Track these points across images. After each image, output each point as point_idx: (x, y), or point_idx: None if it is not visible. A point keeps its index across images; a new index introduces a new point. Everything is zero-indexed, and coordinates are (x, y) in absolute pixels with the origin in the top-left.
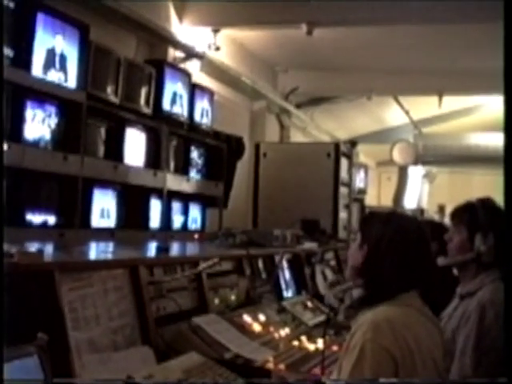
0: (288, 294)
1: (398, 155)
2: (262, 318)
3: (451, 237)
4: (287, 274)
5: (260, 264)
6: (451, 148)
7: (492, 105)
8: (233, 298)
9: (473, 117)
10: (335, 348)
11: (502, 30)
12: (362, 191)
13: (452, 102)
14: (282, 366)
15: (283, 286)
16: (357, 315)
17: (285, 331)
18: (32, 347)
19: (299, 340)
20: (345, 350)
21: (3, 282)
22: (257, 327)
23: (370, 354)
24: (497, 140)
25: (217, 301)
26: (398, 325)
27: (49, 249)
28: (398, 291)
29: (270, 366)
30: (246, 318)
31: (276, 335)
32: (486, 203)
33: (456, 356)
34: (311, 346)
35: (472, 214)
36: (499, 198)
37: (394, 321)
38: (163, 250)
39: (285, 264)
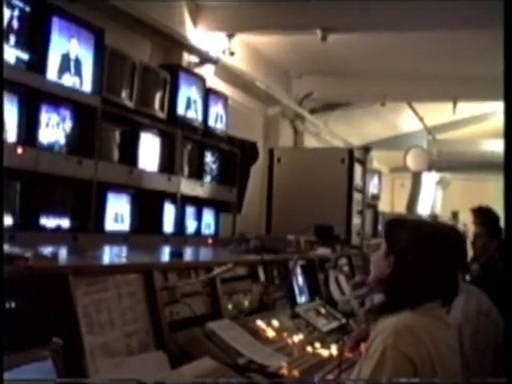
0: (301, 299)
1: (411, 161)
2: (275, 323)
3: None
4: (301, 280)
5: (274, 270)
6: (465, 154)
7: None
8: (246, 303)
9: (487, 123)
10: (350, 354)
11: None
12: (376, 197)
13: (466, 109)
14: (295, 372)
15: (297, 291)
16: (377, 320)
17: (298, 337)
18: (46, 351)
19: (313, 346)
20: (364, 354)
21: (3, 283)
22: (270, 333)
23: (390, 360)
24: None
25: (230, 306)
26: (420, 332)
27: (63, 253)
28: (421, 301)
29: (284, 371)
30: (260, 323)
31: (290, 341)
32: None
33: None
34: (325, 352)
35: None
36: None
37: (416, 328)
38: (177, 254)
39: (298, 270)
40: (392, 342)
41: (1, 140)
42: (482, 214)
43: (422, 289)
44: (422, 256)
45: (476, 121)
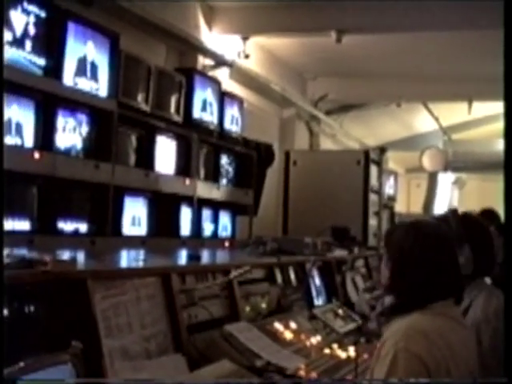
0: (319, 301)
1: (427, 162)
2: (293, 325)
3: None
4: (318, 282)
5: (291, 272)
6: (481, 154)
7: None
8: (264, 305)
9: (502, 123)
10: (366, 356)
11: None
12: (392, 198)
13: (482, 108)
14: (313, 374)
15: (314, 293)
16: (389, 322)
17: (316, 339)
18: (66, 355)
19: (331, 348)
20: (376, 357)
21: (3, 283)
22: (288, 335)
23: (403, 362)
24: None
25: (248, 309)
26: (432, 333)
27: (81, 257)
28: (429, 300)
29: (302, 373)
30: (278, 325)
31: (307, 343)
32: (457, 214)
33: None
34: (343, 354)
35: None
36: None
37: (427, 329)
38: (195, 258)
39: (315, 271)
40: (404, 345)
41: (1, 139)
42: (488, 216)
43: (425, 287)
44: (414, 255)
45: (491, 120)
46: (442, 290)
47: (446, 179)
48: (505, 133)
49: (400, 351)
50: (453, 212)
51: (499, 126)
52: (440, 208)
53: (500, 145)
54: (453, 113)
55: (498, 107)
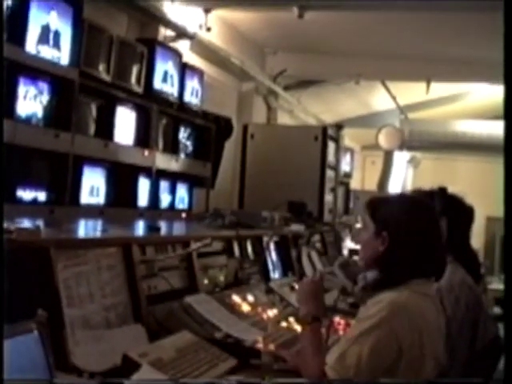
0: (275, 275)
1: (383, 140)
2: (250, 298)
3: None
4: (274, 256)
5: (248, 245)
6: (437, 134)
7: (479, 92)
8: (222, 278)
9: (459, 103)
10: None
11: (491, 20)
12: (348, 175)
13: (439, 89)
14: (271, 347)
15: (270, 267)
16: (374, 295)
17: (273, 312)
18: (33, 323)
19: (287, 321)
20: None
21: (3, 282)
22: (246, 308)
23: (380, 333)
24: (482, 127)
25: (206, 281)
26: (415, 314)
27: (41, 225)
28: (414, 275)
29: (260, 346)
30: (235, 298)
31: (265, 316)
32: (444, 191)
33: None
34: (299, 328)
35: (431, 200)
36: (482, 184)
37: (413, 311)
38: (155, 229)
39: (272, 245)
40: (387, 317)
41: (1, 138)
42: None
43: (418, 262)
44: (414, 228)
45: (448, 101)
46: (429, 266)
47: (401, 157)
48: (505, 131)
49: (383, 322)
50: (440, 188)
51: (456, 106)
52: (395, 186)
53: (455, 125)
54: (411, 92)
55: (455, 88)
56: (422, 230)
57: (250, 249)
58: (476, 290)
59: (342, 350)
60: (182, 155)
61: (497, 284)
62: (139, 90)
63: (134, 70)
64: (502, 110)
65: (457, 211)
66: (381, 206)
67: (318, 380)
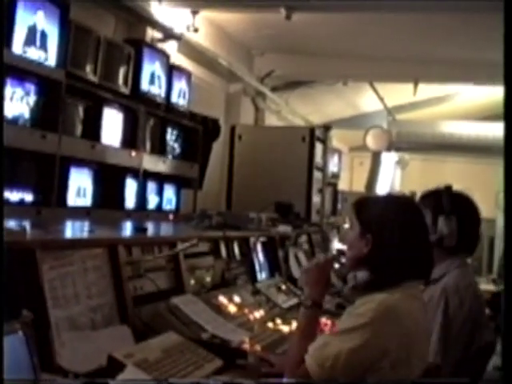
0: (262, 276)
1: (371, 141)
2: (237, 299)
3: None
4: (261, 257)
5: (235, 246)
6: (424, 135)
7: (466, 94)
8: (208, 279)
9: (447, 105)
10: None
11: (479, 21)
12: (336, 176)
13: (426, 90)
14: (257, 347)
15: (257, 268)
16: (364, 295)
17: (259, 313)
18: (17, 324)
19: (274, 322)
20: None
21: (3, 281)
22: (232, 308)
23: (365, 334)
24: (470, 128)
25: (193, 281)
26: (404, 316)
27: (27, 227)
28: (404, 277)
29: (246, 346)
30: (222, 299)
31: (251, 317)
32: (450, 189)
33: None
34: (285, 328)
35: (437, 198)
36: (470, 185)
37: (402, 311)
38: (141, 230)
39: (259, 246)
40: (375, 317)
41: (1, 138)
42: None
43: (404, 263)
44: (399, 230)
45: (436, 102)
46: (418, 268)
47: (389, 158)
48: (505, 131)
49: (369, 323)
50: (446, 187)
51: (443, 108)
52: (382, 187)
53: (443, 126)
54: (398, 94)
55: (442, 90)
56: (407, 231)
57: (236, 250)
58: (482, 297)
59: (324, 341)
60: (170, 156)
61: (484, 285)
62: (126, 91)
63: (121, 71)
64: (489, 111)
65: (466, 209)
66: (367, 207)
67: (296, 365)
